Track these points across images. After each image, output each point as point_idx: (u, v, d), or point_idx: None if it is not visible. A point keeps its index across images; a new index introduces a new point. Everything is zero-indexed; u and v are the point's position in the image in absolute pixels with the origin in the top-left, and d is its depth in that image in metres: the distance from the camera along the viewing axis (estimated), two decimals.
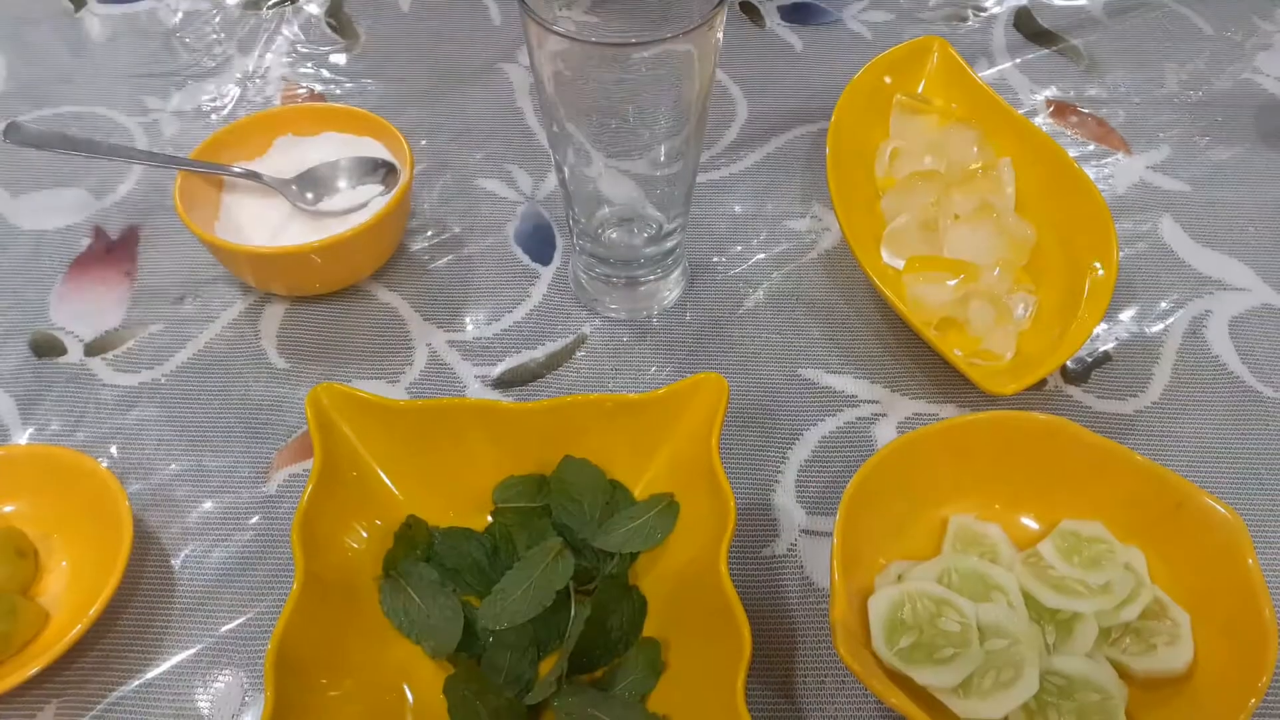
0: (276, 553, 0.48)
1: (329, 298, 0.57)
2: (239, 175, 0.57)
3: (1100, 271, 0.52)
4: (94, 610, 0.42)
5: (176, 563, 0.48)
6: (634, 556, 0.45)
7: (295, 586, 0.40)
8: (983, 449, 0.46)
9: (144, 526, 0.49)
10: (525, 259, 0.60)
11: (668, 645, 0.43)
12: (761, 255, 0.60)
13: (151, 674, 0.44)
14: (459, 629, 0.43)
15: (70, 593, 0.45)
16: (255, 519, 0.49)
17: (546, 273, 0.59)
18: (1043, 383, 0.53)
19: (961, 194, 0.58)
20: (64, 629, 0.43)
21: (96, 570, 0.44)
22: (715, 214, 0.62)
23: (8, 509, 0.47)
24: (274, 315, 0.57)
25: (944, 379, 0.53)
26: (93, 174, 0.64)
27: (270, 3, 0.76)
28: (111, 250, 0.60)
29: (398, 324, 0.56)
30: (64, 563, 0.46)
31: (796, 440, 0.52)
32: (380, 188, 0.57)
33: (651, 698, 0.42)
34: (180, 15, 0.75)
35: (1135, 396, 0.53)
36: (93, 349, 0.55)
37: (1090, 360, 0.54)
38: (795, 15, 0.75)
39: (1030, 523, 0.46)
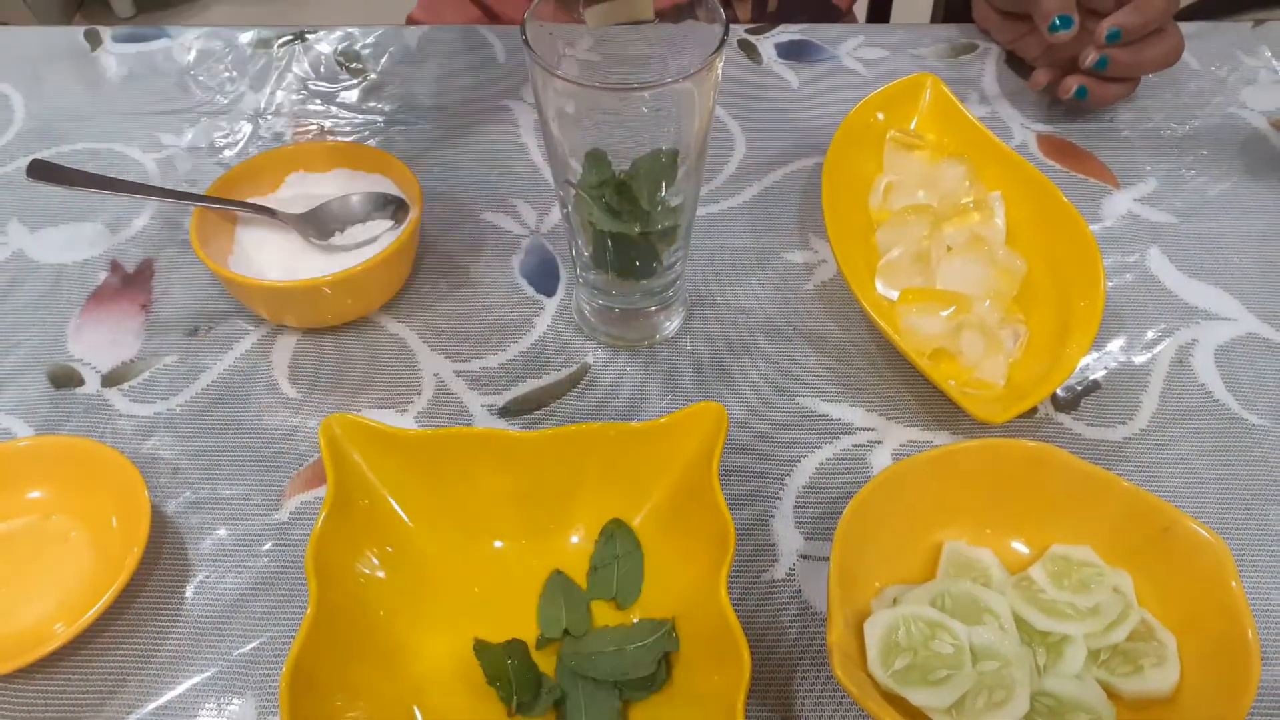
0: (289, 579, 0.49)
1: (340, 329, 0.59)
2: (253, 211, 0.58)
3: (1088, 303, 0.54)
4: (111, 592, 0.45)
5: (190, 588, 0.49)
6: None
7: (309, 611, 0.41)
8: (975, 476, 0.47)
9: (158, 552, 0.50)
10: (530, 291, 0.61)
11: (669, 668, 0.44)
12: (759, 286, 0.61)
13: (167, 697, 0.46)
14: None
15: (90, 584, 0.48)
16: (268, 545, 0.50)
17: (550, 304, 0.61)
18: (1034, 410, 0.55)
19: (954, 227, 0.59)
20: (83, 610, 0.45)
21: (115, 558, 0.47)
22: (714, 246, 0.63)
23: (34, 495, 0.50)
24: (286, 346, 0.58)
25: (937, 407, 0.55)
26: (109, 209, 0.66)
27: (281, 41, 0.78)
28: (127, 283, 0.62)
29: (406, 355, 0.58)
30: (84, 553, 0.49)
31: (794, 467, 0.53)
32: (390, 222, 0.59)
33: (652, 718, 0.43)
34: (194, 54, 0.77)
35: (1124, 424, 0.54)
36: (109, 380, 0.57)
37: (1080, 388, 0.56)
38: (792, 52, 0.77)
39: (1021, 547, 0.48)
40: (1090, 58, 0.64)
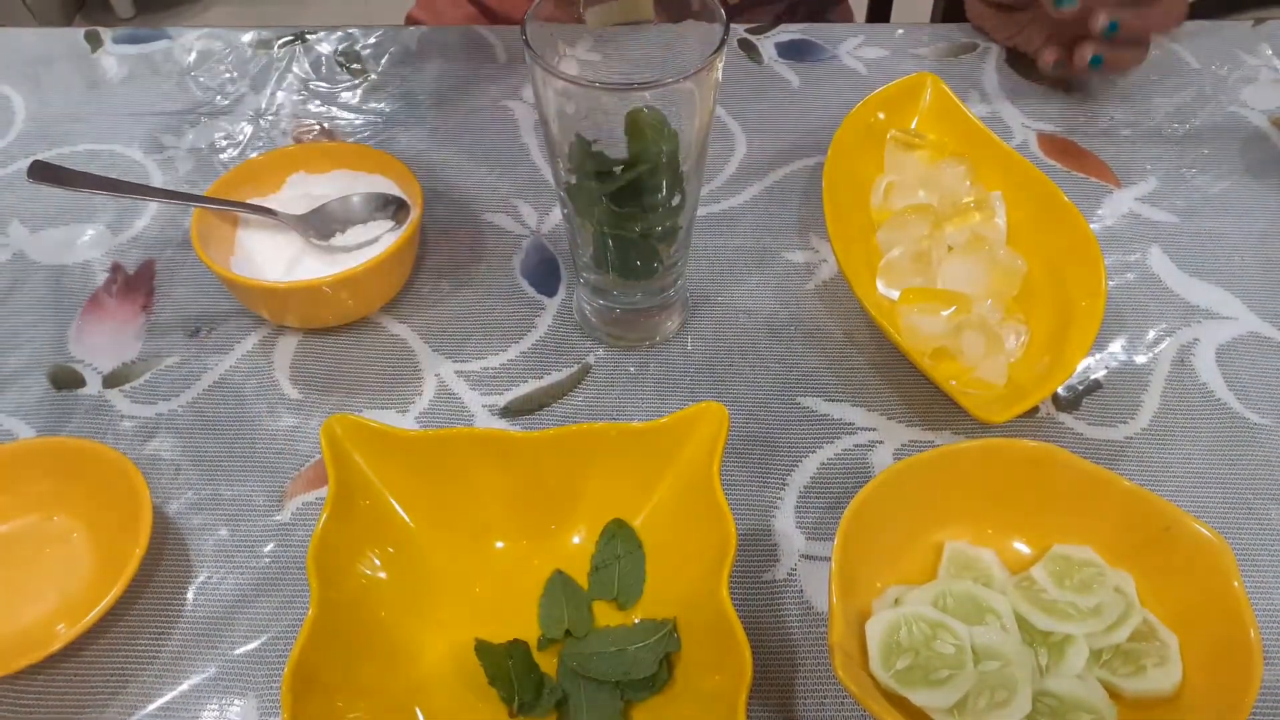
0: (290, 579, 0.49)
1: (341, 330, 0.59)
2: (254, 212, 0.58)
3: (1089, 302, 0.54)
4: (114, 593, 0.45)
5: (192, 589, 0.49)
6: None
7: (311, 611, 0.41)
8: (976, 475, 0.47)
9: (160, 553, 0.50)
10: (531, 291, 0.61)
11: (671, 668, 0.44)
12: (760, 286, 0.61)
13: (169, 697, 0.46)
14: None
15: (91, 585, 0.48)
16: (270, 546, 0.50)
17: (551, 304, 0.61)
18: (1035, 410, 0.55)
19: (954, 227, 0.59)
20: (85, 611, 0.45)
21: (117, 559, 0.47)
22: (715, 246, 0.63)
23: (36, 496, 0.50)
24: (287, 347, 0.58)
25: (938, 407, 0.55)
26: (110, 211, 0.66)
27: (281, 41, 0.78)
28: (128, 285, 0.62)
29: (407, 355, 0.58)
30: (85, 554, 0.49)
31: (796, 467, 0.53)
32: (391, 223, 0.59)
33: (654, 719, 0.43)
34: (194, 55, 0.77)
35: (1125, 423, 0.54)
36: (111, 381, 0.57)
37: (1081, 388, 0.56)
38: (792, 52, 0.77)
39: (1022, 547, 0.48)
40: (1101, 21, 0.64)
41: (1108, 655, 0.43)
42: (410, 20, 0.95)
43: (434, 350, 0.58)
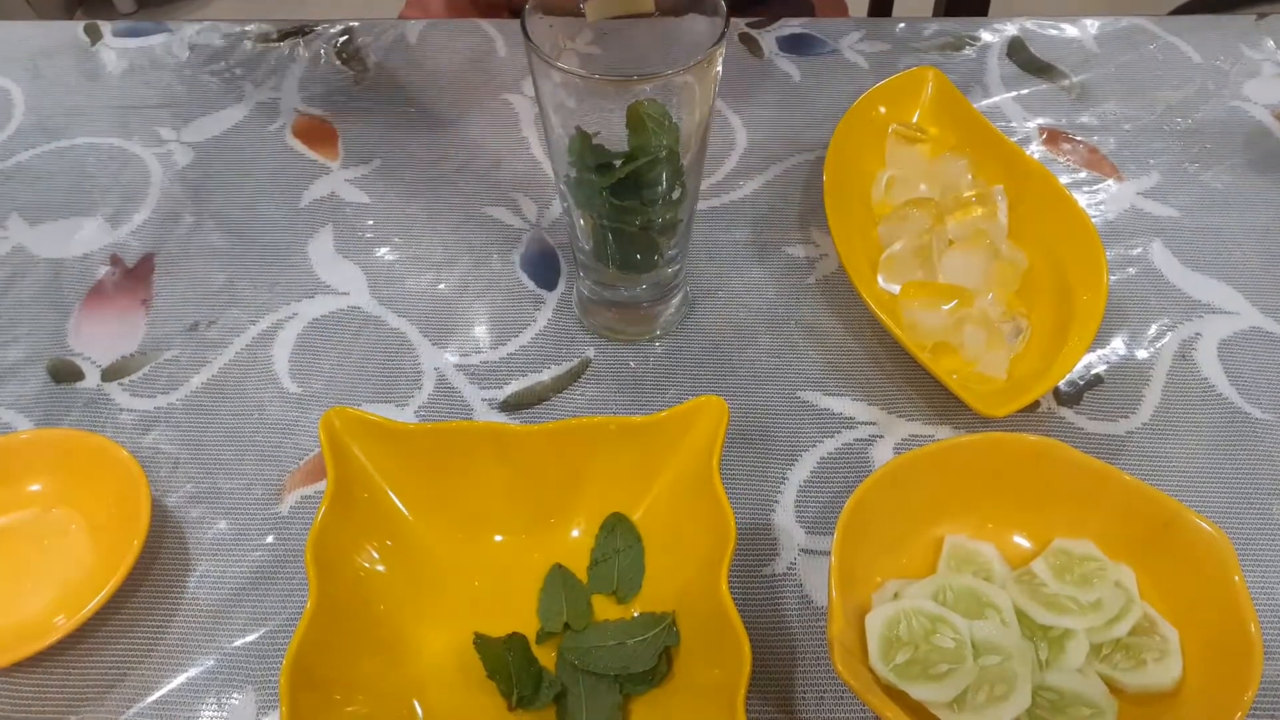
0: (289, 572, 0.49)
1: (339, 324, 0.59)
2: None
3: (1090, 297, 0.54)
4: (112, 585, 0.45)
5: (191, 581, 0.49)
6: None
7: (309, 604, 0.41)
8: (976, 470, 0.47)
9: (159, 545, 0.50)
10: (531, 285, 0.61)
11: (670, 662, 0.44)
12: (761, 280, 0.61)
13: (167, 689, 0.46)
14: None
15: (90, 577, 0.48)
16: (269, 539, 0.50)
17: (551, 298, 0.60)
18: (1036, 404, 0.55)
19: (956, 221, 0.59)
20: (84, 602, 0.45)
21: (116, 551, 0.47)
22: (716, 240, 0.63)
23: (35, 488, 0.50)
24: (286, 341, 0.58)
25: (939, 401, 0.55)
26: (110, 203, 0.66)
27: (281, 35, 0.78)
28: (128, 278, 0.62)
29: (407, 349, 0.58)
30: (84, 546, 0.49)
31: (796, 461, 0.53)
32: None
33: (653, 713, 0.43)
34: (194, 48, 0.77)
35: (1126, 418, 0.54)
36: (110, 374, 0.57)
37: (1082, 383, 0.56)
38: (793, 46, 0.76)
39: (1023, 541, 0.48)
40: None
41: (1108, 650, 0.43)
42: (403, 19, 0.95)
43: (433, 344, 0.58)
